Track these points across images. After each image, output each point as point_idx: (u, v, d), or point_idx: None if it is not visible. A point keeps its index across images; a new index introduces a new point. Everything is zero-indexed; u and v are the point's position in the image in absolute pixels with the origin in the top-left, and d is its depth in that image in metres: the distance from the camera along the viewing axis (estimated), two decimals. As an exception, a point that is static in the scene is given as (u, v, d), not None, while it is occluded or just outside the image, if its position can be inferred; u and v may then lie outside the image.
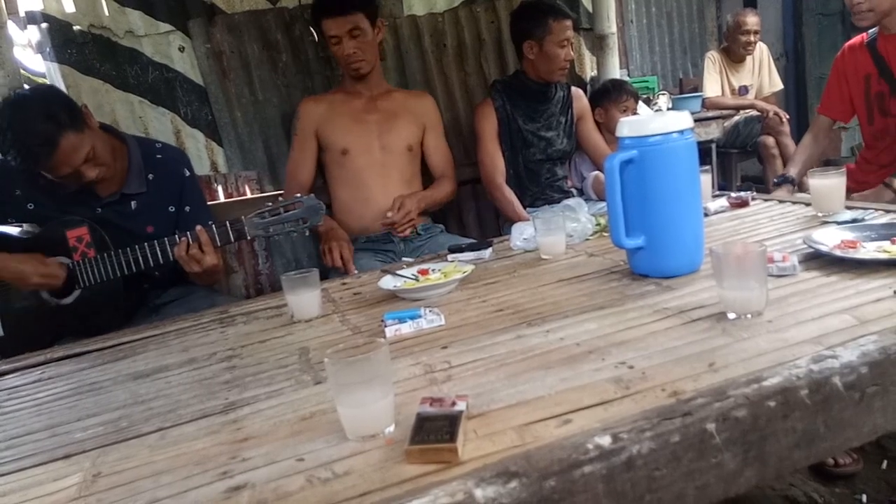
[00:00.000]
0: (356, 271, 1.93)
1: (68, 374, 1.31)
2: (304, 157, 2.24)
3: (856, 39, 2.18)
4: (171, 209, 1.84)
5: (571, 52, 2.33)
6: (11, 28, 2.13)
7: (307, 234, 1.67)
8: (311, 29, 2.27)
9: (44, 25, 2.18)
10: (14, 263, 1.61)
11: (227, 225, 1.63)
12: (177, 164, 1.89)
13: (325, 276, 1.77)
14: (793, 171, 2.19)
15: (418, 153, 2.31)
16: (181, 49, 2.34)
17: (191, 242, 1.61)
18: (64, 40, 2.20)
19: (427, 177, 2.36)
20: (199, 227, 1.61)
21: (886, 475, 1.71)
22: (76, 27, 2.22)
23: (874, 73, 2.11)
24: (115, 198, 1.76)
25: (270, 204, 1.62)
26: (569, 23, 2.29)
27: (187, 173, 1.90)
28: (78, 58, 2.23)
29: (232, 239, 1.63)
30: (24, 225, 1.67)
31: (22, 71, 2.31)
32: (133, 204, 1.79)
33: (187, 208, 1.87)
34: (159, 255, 1.63)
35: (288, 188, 2.25)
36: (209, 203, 2.14)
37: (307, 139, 2.23)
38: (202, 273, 1.64)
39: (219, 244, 1.63)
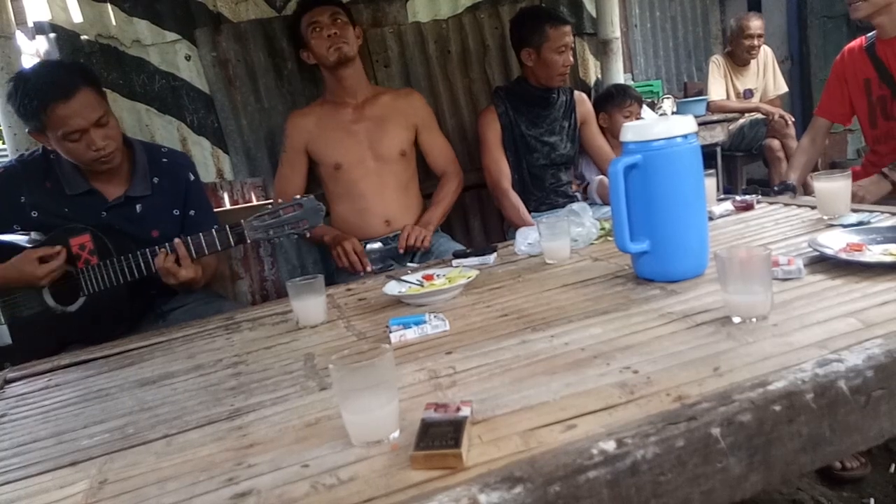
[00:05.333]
0: (370, 267, 1.92)
1: (75, 381, 1.32)
2: (292, 173, 2.23)
3: (855, 43, 2.17)
4: (176, 213, 1.86)
5: (570, 58, 2.31)
6: (20, 38, 2.15)
7: (308, 235, 1.67)
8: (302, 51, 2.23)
9: (52, 35, 2.20)
10: (18, 268, 1.61)
11: (227, 229, 1.63)
12: (181, 168, 1.90)
13: (331, 282, 1.77)
14: (793, 178, 2.18)
15: (412, 156, 2.29)
16: (187, 58, 2.35)
17: (168, 254, 1.61)
18: (72, 50, 2.22)
19: (423, 176, 2.35)
20: (177, 241, 1.61)
21: (894, 479, 1.70)
22: (84, 37, 2.24)
23: (874, 77, 2.10)
24: (120, 201, 1.77)
25: (270, 207, 1.61)
26: (567, 28, 2.27)
27: (192, 177, 1.91)
28: (85, 67, 2.25)
29: (232, 243, 1.63)
30: (31, 233, 1.68)
31: (30, 80, 2.32)
32: (138, 207, 1.79)
33: (192, 212, 1.88)
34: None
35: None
36: (215, 210, 2.14)
37: (296, 155, 2.22)
38: (178, 286, 1.66)
39: (219, 248, 1.63)
